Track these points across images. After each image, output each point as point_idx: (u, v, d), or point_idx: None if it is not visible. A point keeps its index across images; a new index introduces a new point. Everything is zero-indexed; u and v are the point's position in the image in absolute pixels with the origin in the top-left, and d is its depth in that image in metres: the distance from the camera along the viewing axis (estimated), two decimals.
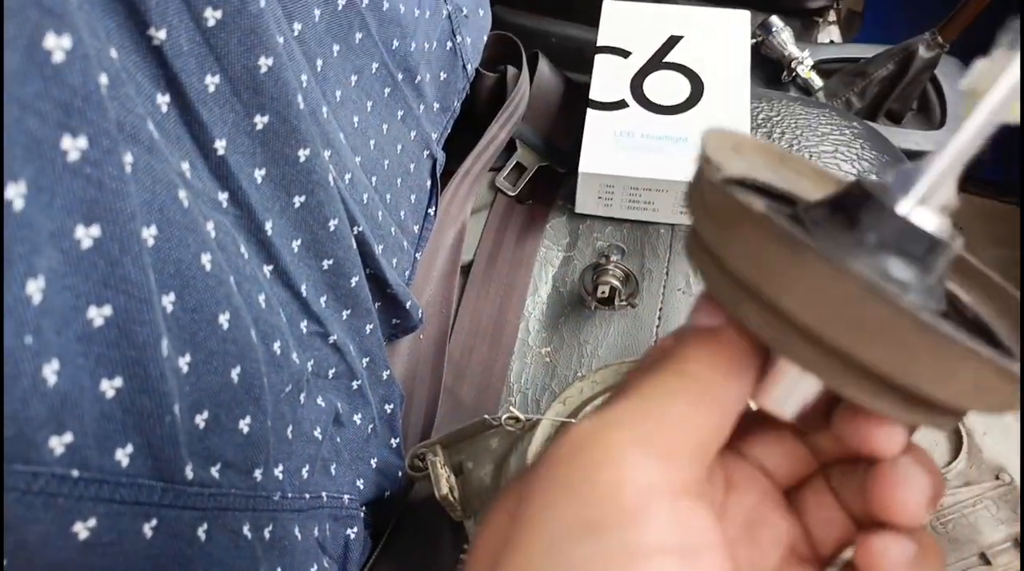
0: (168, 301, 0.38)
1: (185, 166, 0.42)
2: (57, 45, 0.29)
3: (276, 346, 0.48)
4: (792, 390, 0.26)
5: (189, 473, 0.39)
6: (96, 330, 0.33)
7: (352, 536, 0.60)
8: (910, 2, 1.20)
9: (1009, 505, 0.61)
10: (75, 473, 0.32)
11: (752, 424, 0.30)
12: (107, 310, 0.33)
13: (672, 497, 0.23)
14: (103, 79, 0.33)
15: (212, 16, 0.41)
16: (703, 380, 0.25)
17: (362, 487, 0.61)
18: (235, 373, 0.43)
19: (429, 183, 0.78)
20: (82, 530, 0.33)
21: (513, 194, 0.87)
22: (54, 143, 0.29)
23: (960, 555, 0.67)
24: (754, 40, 1.01)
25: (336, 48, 0.58)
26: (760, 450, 0.30)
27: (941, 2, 1.08)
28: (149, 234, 0.37)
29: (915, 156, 0.91)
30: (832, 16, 1.12)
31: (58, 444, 0.31)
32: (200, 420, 0.41)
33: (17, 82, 0.27)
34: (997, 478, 0.62)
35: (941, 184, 0.24)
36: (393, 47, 0.66)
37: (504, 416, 0.60)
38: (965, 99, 0.23)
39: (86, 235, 0.32)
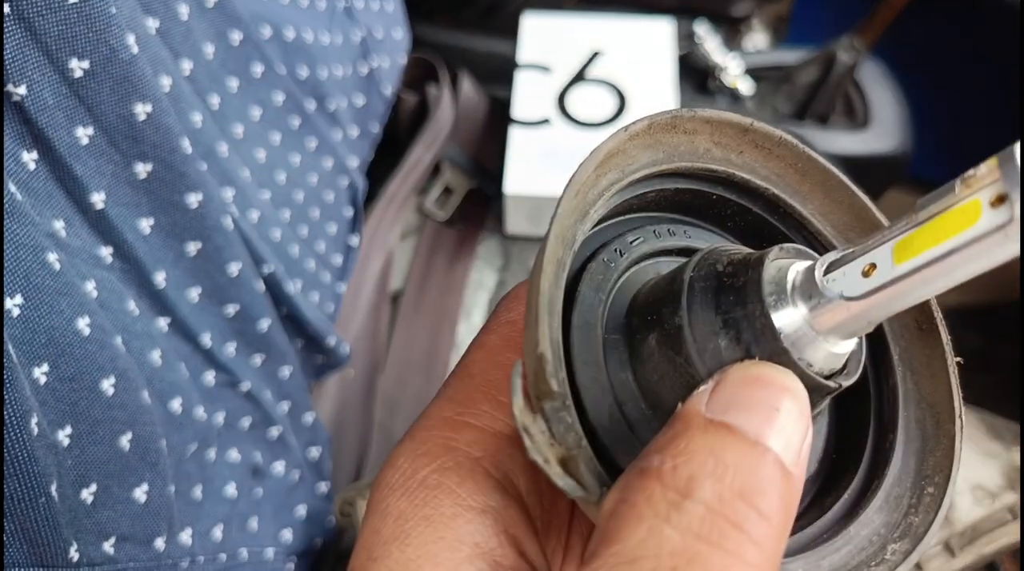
0: (41, 372, 0.36)
1: (59, 225, 0.40)
2: None
3: (176, 404, 0.45)
4: None
5: (74, 554, 0.37)
6: None
7: None
8: (834, 5, 1.21)
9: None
10: None
11: None
12: None
13: None
14: None
15: (78, 67, 0.38)
16: None
17: (290, 538, 0.59)
18: (125, 439, 0.40)
19: (351, 212, 0.76)
20: None
21: (443, 219, 0.85)
22: None
23: None
24: (684, 51, 1.01)
25: (234, 83, 0.56)
26: None
27: (866, 4, 1.09)
28: (13, 304, 0.34)
29: (841, 160, 0.91)
30: (756, 23, 1.12)
31: None
32: (87, 494, 0.38)
33: None
34: None
35: (854, 324, 0.20)
36: (301, 77, 0.64)
37: None
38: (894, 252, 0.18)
39: None
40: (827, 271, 0.20)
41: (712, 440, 0.18)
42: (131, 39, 0.40)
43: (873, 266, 0.19)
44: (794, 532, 0.23)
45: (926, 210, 0.18)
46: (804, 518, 0.24)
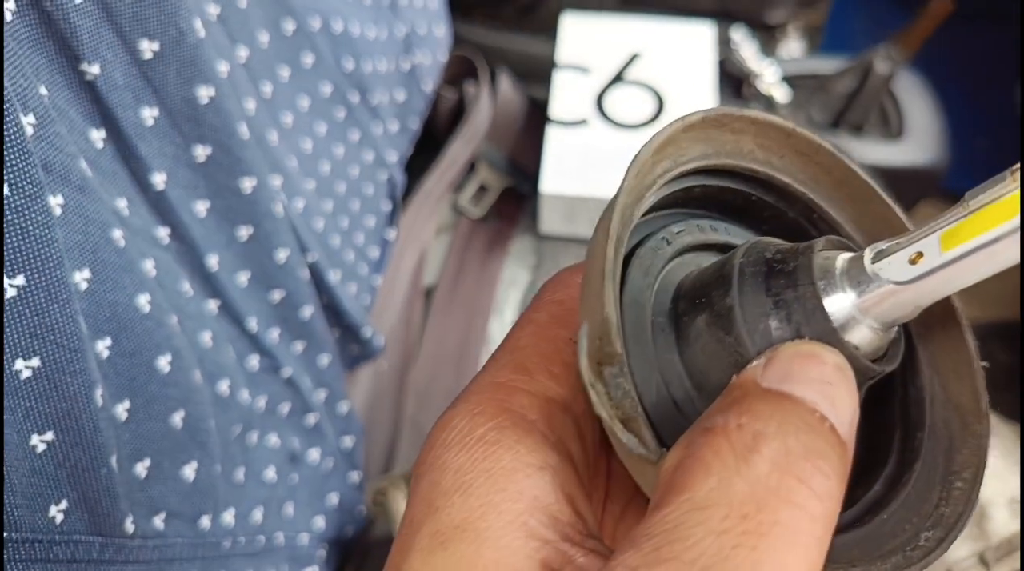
0: (104, 346, 0.36)
1: (122, 203, 0.40)
2: None
3: (224, 386, 0.46)
4: None
5: (130, 526, 0.37)
6: (24, 383, 0.32)
7: None
8: (868, 16, 1.21)
9: (973, 522, 0.60)
10: (3, 534, 0.30)
11: None
12: (35, 361, 0.32)
13: None
14: (28, 119, 0.32)
15: (149, 48, 0.39)
16: None
17: (322, 526, 0.59)
18: (178, 417, 0.41)
19: (389, 206, 0.77)
20: None
21: (477, 216, 0.86)
22: None
23: None
24: (720, 57, 1.01)
25: (285, 72, 0.56)
26: None
27: (902, 14, 1.09)
28: (82, 277, 0.35)
29: (875, 171, 0.91)
30: (791, 31, 1.12)
31: None
32: (141, 469, 0.39)
33: None
34: None
35: (900, 309, 0.20)
36: (347, 69, 0.65)
37: None
38: (942, 239, 0.19)
39: (10, 285, 0.30)
40: (875, 260, 0.20)
41: (774, 404, 0.18)
42: (198, 23, 0.41)
43: (920, 254, 0.19)
44: None
45: (976, 200, 0.19)
46: None
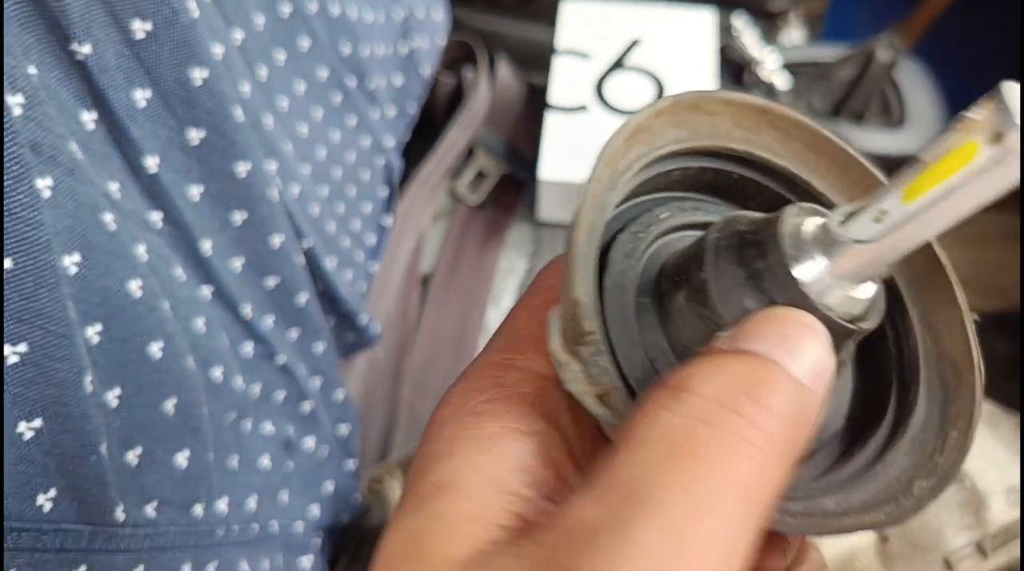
0: (94, 332, 0.36)
1: (114, 186, 0.40)
2: None
3: (217, 372, 0.45)
4: None
5: (120, 514, 0.37)
6: (11, 368, 0.31)
7: (307, 566, 0.57)
8: (870, 4, 1.20)
9: (971, 510, 0.60)
10: None
11: None
12: (22, 347, 0.31)
13: None
14: (16, 99, 0.31)
15: (141, 28, 0.38)
16: None
17: (317, 513, 0.59)
18: (170, 404, 0.40)
19: (386, 192, 0.76)
20: None
21: (475, 203, 0.85)
22: None
23: (924, 561, 0.66)
24: (721, 44, 1.00)
25: (281, 56, 0.55)
26: None
27: (903, 2, 1.08)
28: (71, 262, 0.34)
29: (878, 158, 0.91)
30: (793, 18, 1.11)
31: None
32: (132, 456, 0.38)
33: None
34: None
35: (870, 267, 0.21)
36: (344, 54, 0.64)
37: None
38: (902, 194, 0.19)
39: None
40: (842, 222, 0.21)
41: (724, 356, 0.19)
42: (192, 3, 0.40)
43: (884, 213, 0.20)
44: (824, 476, 0.25)
45: (931, 153, 0.19)
46: (833, 467, 0.25)
